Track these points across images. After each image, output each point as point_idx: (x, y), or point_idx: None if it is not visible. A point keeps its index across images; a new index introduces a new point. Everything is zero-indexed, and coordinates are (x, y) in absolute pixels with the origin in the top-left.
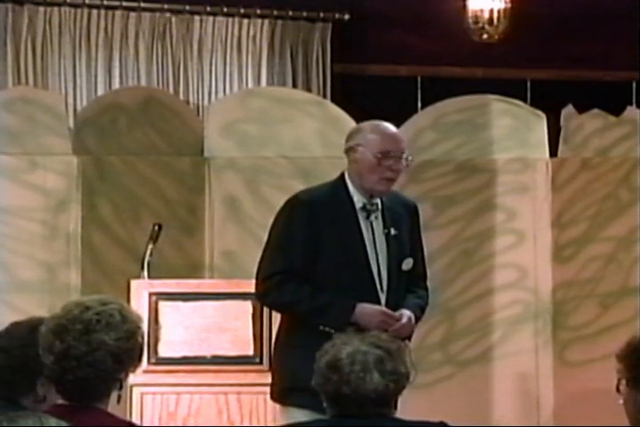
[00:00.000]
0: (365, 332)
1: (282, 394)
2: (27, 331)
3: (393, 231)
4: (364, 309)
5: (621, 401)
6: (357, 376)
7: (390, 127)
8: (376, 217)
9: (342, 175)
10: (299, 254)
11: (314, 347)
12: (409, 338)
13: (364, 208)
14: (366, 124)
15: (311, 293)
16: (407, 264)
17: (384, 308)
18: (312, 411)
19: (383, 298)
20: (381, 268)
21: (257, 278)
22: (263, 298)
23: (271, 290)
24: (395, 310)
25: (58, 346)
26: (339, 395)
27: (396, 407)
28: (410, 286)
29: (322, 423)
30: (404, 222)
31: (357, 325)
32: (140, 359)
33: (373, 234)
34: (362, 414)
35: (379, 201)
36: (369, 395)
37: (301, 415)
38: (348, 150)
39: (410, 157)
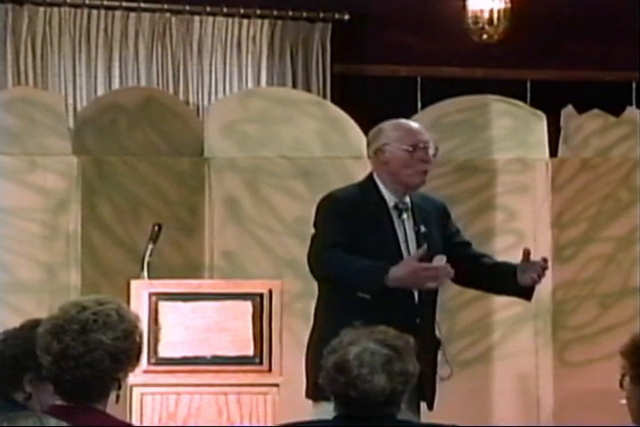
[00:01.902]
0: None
1: (313, 389)
2: (21, 329)
3: (423, 229)
4: (397, 272)
5: (624, 401)
6: (364, 379)
7: (410, 122)
8: (407, 216)
9: (370, 176)
10: (344, 234)
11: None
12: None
13: (395, 207)
14: (385, 125)
15: (348, 260)
16: (438, 261)
17: (413, 263)
18: None
19: (416, 295)
20: None
21: (309, 257)
22: (316, 269)
23: (322, 261)
24: (426, 306)
25: (55, 346)
26: (345, 397)
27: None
28: (474, 252)
29: (326, 424)
30: (434, 220)
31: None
32: (138, 359)
33: (405, 232)
34: (368, 415)
35: (408, 200)
36: (376, 398)
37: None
38: (376, 152)
39: (436, 147)
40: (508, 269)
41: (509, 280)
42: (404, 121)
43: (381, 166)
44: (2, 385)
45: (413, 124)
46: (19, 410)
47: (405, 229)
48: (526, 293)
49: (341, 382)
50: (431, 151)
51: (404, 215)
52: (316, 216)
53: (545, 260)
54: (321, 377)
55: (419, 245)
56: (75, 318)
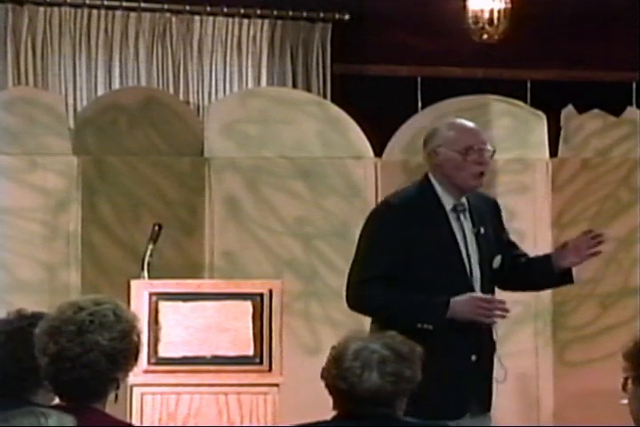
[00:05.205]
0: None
1: None
2: (27, 324)
3: (482, 230)
4: (456, 302)
5: (625, 400)
6: (354, 373)
7: (466, 122)
8: (465, 217)
9: (427, 178)
10: (389, 259)
11: None
12: None
13: (454, 209)
14: (441, 125)
15: (402, 293)
16: (497, 262)
17: (473, 294)
18: (416, 419)
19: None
20: (474, 268)
21: (348, 282)
22: (353, 304)
23: (363, 296)
24: None
25: (51, 348)
26: (335, 390)
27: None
28: (516, 253)
29: (323, 424)
30: (489, 220)
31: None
32: (136, 359)
33: (464, 234)
34: (360, 413)
35: (465, 200)
36: (362, 394)
37: None
38: (430, 154)
39: (493, 148)
40: (543, 261)
41: (546, 271)
42: (459, 121)
43: (436, 168)
44: (19, 386)
45: (469, 124)
46: None
47: (464, 231)
48: (566, 276)
49: (333, 373)
50: (488, 153)
51: (462, 217)
52: (366, 225)
53: (589, 231)
54: (322, 369)
55: (479, 247)
56: (71, 318)
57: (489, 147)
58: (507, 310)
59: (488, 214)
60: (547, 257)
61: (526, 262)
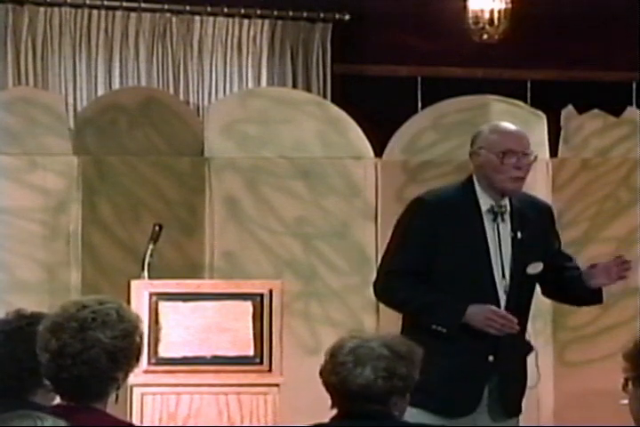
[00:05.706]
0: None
1: None
2: (26, 324)
3: (519, 235)
4: (473, 309)
5: (625, 401)
6: (347, 368)
7: (509, 126)
8: (503, 220)
9: (470, 177)
10: (416, 255)
11: (428, 347)
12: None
13: (491, 211)
14: (485, 127)
15: (425, 291)
16: (534, 268)
17: (492, 306)
18: (422, 410)
19: (503, 301)
20: (505, 271)
21: (377, 273)
22: (379, 295)
23: (387, 288)
24: (515, 313)
25: (53, 344)
26: (329, 385)
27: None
28: (565, 264)
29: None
30: (535, 226)
31: (469, 325)
32: (137, 359)
33: (499, 237)
34: (354, 410)
35: (507, 203)
36: (354, 388)
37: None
38: (472, 155)
39: (535, 153)
40: (578, 278)
41: (579, 288)
42: (503, 124)
43: (477, 169)
44: (18, 386)
45: (511, 127)
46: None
47: (500, 233)
48: (595, 296)
49: (328, 368)
50: (529, 158)
51: (500, 219)
52: (400, 218)
53: (619, 257)
54: (320, 367)
55: (513, 252)
56: (74, 316)
57: (529, 152)
58: (516, 329)
59: (534, 220)
60: (580, 275)
61: (571, 277)
